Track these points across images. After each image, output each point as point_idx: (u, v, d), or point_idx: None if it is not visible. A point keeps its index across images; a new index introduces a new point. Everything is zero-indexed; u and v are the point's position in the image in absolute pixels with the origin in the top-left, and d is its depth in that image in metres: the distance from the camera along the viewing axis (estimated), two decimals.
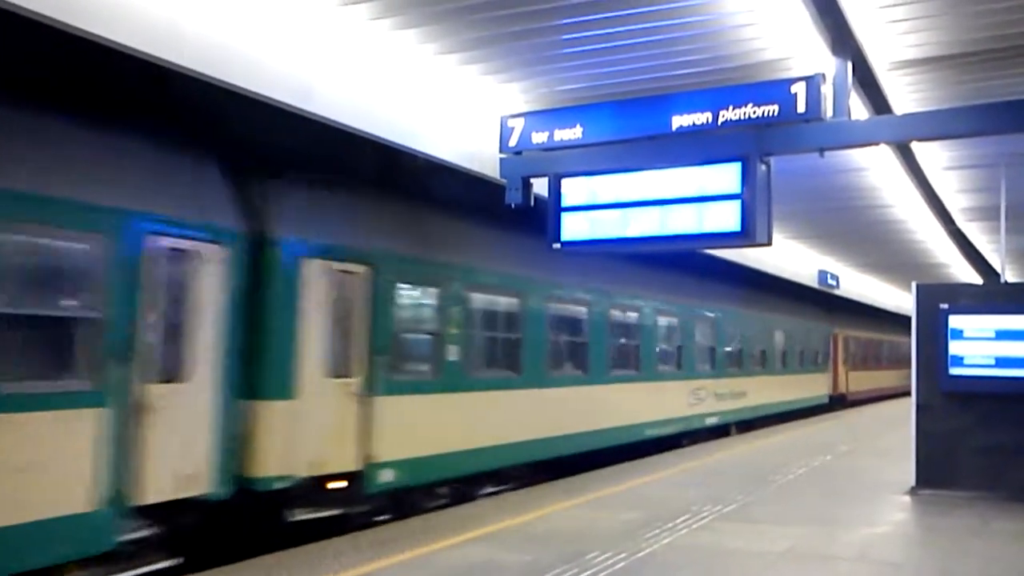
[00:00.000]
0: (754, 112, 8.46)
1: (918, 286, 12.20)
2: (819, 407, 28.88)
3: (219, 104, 8.05)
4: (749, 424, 22.17)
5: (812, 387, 28.34)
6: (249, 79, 7.50)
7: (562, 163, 9.48)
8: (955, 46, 8.66)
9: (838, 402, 31.71)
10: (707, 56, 9.01)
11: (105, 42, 6.38)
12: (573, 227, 9.30)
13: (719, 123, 8.63)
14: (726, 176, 8.49)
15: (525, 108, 10.30)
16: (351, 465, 9.53)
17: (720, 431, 20.40)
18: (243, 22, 7.43)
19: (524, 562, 7.76)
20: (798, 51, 8.74)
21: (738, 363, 21.64)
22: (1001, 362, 11.33)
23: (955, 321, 11.59)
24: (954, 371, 11.54)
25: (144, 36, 6.57)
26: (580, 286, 14.48)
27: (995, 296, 12.28)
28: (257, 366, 8.70)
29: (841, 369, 32.67)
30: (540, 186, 9.94)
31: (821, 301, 29.11)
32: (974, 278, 25.65)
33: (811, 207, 16.47)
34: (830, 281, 25.21)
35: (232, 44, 7.32)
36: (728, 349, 21.04)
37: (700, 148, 8.82)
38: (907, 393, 42.28)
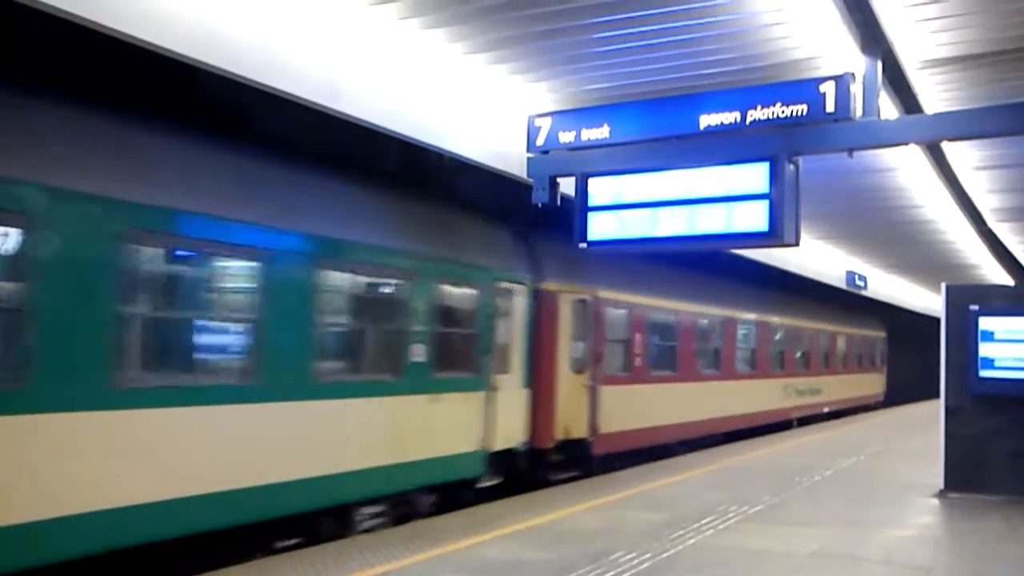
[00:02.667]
0: (783, 112, 8.43)
1: (948, 287, 12.08)
2: (455, 487, 11.11)
3: None
4: None
5: (385, 444, 9.78)
6: (280, 78, 7.57)
7: (589, 162, 9.48)
8: (986, 45, 8.56)
9: (573, 462, 13.61)
10: (735, 55, 8.97)
11: (145, 44, 6.51)
12: (600, 227, 9.30)
13: (747, 123, 8.60)
14: (754, 176, 8.45)
15: (552, 107, 10.30)
16: None
17: None
18: (274, 21, 7.50)
19: (548, 560, 7.78)
20: (827, 50, 8.68)
21: None
22: None
23: (986, 323, 11.46)
24: (984, 373, 11.42)
25: (178, 37, 6.67)
26: None
27: None
28: None
29: (567, 381, 13.38)
30: (567, 186, 9.96)
31: (491, 194, 12.90)
32: (1005, 279, 25.34)
33: (840, 207, 16.33)
34: (858, 282, 24.96)
35: (264, 44, 7.40)
36: None
37: (728, 148, 8.79)
38: (803, 419, 24.71)
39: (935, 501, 11.38)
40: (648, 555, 8.01)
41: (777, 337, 22.97)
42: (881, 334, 34.11)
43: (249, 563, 7.82)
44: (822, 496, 11.66)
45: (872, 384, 32.62)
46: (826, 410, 26.68)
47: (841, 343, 28.61)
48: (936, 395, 11.95)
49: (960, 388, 11.64)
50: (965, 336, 11.53)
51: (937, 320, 12.16)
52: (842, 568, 7.87)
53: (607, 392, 14.36)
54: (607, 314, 14.74)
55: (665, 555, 8.06)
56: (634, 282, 15.97)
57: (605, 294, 14.69)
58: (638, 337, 15.83)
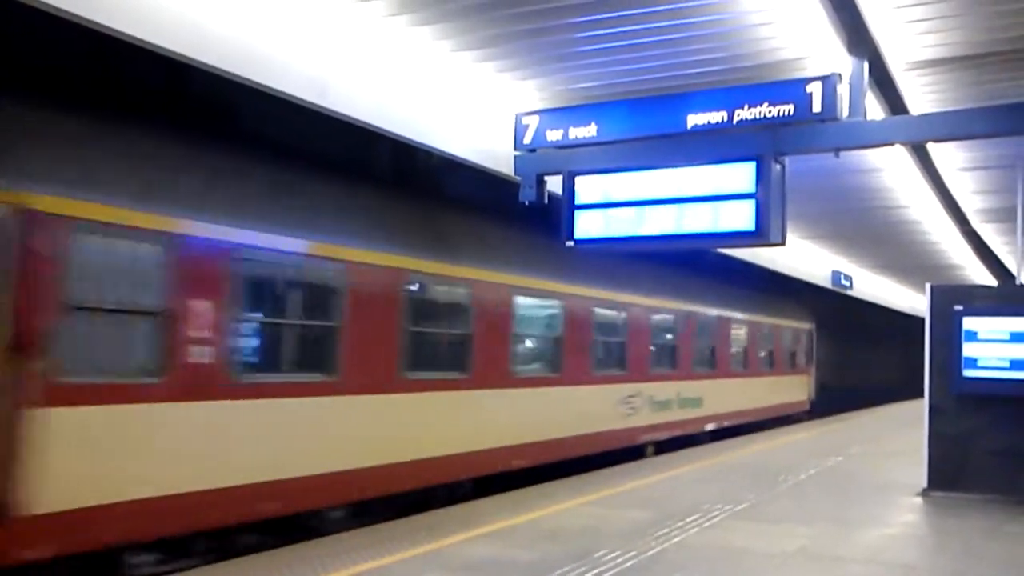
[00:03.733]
0: (769, 111, 8.45)
1: (932, 287, 12.14)
2: None
3: None
4: None
5: None
6: (266, 75, 7.54)
7: (576, 161, 9.48)
8: (972, 47, 8.61)
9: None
10: (723, 55, 9.00)
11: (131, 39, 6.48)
12: (586, 225, 9.30)
13: (734, 122, 8.61)
14: (741, 175, 8.48)
15: (540, 106, 10.29)
16: None
17: None
18: (261, 18, 7.46)
19: (533, 559, 7.77)
20: (814, 50, 8.71)
21: None
22: (1016, 364, 11.25)
23: (969, 323, 11.52)
24: (968, 373, 11.47)
25: (166, 33, 6.64)
26: None
27: (1010, 298, 12.19)
28: None
29: None
30: (554, 184, 9.95)
31: None
32: (989, 280, 25.51)
33: (825, 207, 16.41)
34: (843, 282, 25.02)
35: (250, 40, 7.36)
36: None
37: (715, 147, 8.81)
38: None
39: (918, 500, 11.43)
40: (633, 553, 8.01)
41: (617, 323, 15.23)
42: (806, 325, 26.45)
43: (232, 560, 7.78)
44: (806, 495, 11.69)
45: (791, 390, 24.86)
46: (709, 427, 19.08)
47: (740, 334, 20.97)
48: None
49: (944, 388, 11.70)
50: (949, 336, 11.59)
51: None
52: (827, 566, 7.89)
53: (70, 420, 6.55)
54: (86, 254, 6.71)
55: (649, 553, 8.06)
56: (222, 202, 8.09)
57: (74, 209, 6.61)
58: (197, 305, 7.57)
